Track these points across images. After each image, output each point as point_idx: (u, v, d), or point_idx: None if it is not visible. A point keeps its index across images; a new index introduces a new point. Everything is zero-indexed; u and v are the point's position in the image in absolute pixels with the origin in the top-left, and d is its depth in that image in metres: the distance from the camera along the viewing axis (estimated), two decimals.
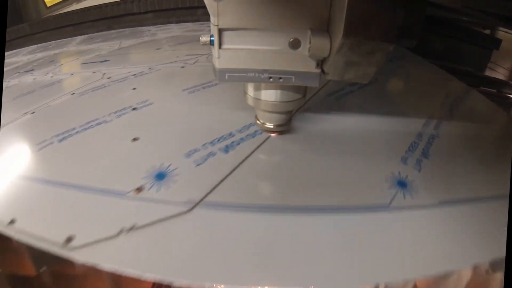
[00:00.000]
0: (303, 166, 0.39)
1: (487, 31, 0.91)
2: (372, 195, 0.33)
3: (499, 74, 0.85)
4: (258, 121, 0.43)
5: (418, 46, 0.30)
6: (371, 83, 0.32)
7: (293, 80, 0.36)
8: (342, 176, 0.36)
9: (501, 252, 0.25)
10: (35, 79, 0.87)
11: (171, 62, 0.80)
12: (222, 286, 0.26)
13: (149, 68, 0.76)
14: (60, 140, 0.49)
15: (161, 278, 0.27)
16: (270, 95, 0.39)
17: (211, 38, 0.34)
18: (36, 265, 0.33)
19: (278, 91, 0.39)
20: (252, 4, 0.32)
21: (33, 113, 0.62)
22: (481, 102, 0.58)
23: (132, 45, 1.08)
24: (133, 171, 0.39)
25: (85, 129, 0.51)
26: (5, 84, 0.86)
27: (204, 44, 0.34)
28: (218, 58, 0.35)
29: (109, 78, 0.75)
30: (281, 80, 0.36)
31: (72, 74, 0.87)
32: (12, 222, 0.34)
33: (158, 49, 0.99)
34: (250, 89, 0.40)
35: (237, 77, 0.36)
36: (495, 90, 0.74)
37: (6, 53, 1.18)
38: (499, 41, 0.88)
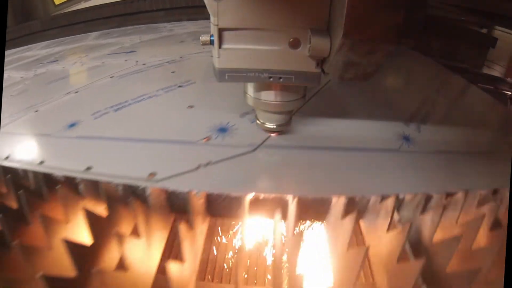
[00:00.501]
0: (332, 121, 0.50)
1: (484, 30, 0.95)
2: (386, 143, 0.46)
3: (495, 71, 0.89)
4: (258, 121, 0.43)
5: (416, 44, 0.30)
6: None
7: (293, 80, 0.36)
8: (362, 133, 0.48)
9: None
10: (63, 67, 0.91)
11: (199, 53, 0.82)
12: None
13: (180, 57, 0.80)
14: (116, 110, 0.55)
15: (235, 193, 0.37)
16: (270, 95, 0.39)
17: (211, 38, 0.34)
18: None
19: (278, 91, 0.39)
20: (252, 4, 0.32)
21: (76, 92, 0.68)
22: (478, 95, 0.66)
23: (153, 39, 1.10)
24: (197, 128, 0.47)
25: (138, 101, 0.57)
26: (32, 72, 0.91)
27: (204, 44, 0.34)
28: (218, 58, 0.35)
29: (143, 64, 0.80)
30: (281, 80, 0.36)
31: (103, 62, 0.90)
32: (88, 168, 0.42)
33: (181, 42, 1.01)
34: (250, 89, 0.40)
35: (237, 77, 0.36)
36: (491, 87, 0.76)
37: (16, 49, 1.21)
38: (495, 40, 0.92)
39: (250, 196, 0.37)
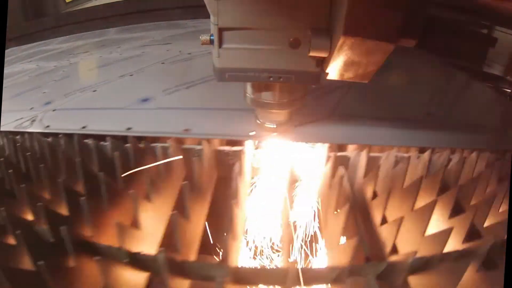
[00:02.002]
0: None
1: (484, 31, 0.97)
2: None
3: (495, 70, 0.92)
4: (258, 121, 0.43)
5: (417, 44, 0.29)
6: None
7: (293, 79, 0.36)
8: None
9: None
10: (100, 56, 0.97)
11: None
12: None
13: None
14: (187, 87, 0.66)
15: None
16: (270, 95, 0.39)
17: (211, 37, 0.34)
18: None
19: (278, 91, 0.38)
20: (252, 4, 0.32)
21: (131, 75, 0.77)
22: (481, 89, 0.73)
23: (180, 34, 1.12)
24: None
25: (206, 81, 0.68)
26: (65, 61, 0.96)
27: (204, 43, 0.34)
28: (218, 57, 0.35)
29: (189, 54, 0.85)
30: (281, 79, 0.36)
31: (143, 52, 0.95)
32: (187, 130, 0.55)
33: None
34: (250, 90, 0.40)
35: (237, 77, 0.36)
36: (491, 85, 0.80)
37: (32, 44, 1.25)
38: (495, 40, 0.94)
39: None
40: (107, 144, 0.57)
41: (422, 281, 0.38)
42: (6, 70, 0.96)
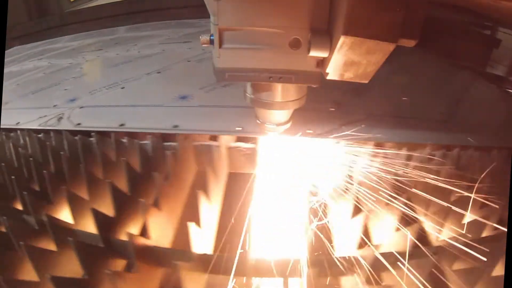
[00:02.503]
0: None
1: (487, 32, 0.99)
2: None
3: (498, 71, 0.93)
4: (258, 121, 0.43)
5: (423, 45, 0.29)
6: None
7: (293, 79, 0.36)
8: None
9: None
10: (118, 54, 0.97)
11: None
12: None
13: None
14: (224, 86, 0.66)
15: None
16: (270, 95, 0.39)
17: (211, 38, 0.34)
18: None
19: (278, 92, 0.38)
20: (252, 4, 0.32)
21: (158, 72, 0.77)
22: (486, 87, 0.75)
23: (196, 32, 1.11)
24: None
25: None
26: (78, 59, 0.97)
27: (204, 43, 0.34)
28: (218, 57, 0.35)
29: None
30: (281, 79, 0.36)
31: (163, 50, 0.96)
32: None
33: None
34: (250, 90, 0.40)
35: (237, 77, 0.36)
36: (495, 85, 0.80)
37: (39, 42, 1.27)
38: (498, 41, 0.95)
39: None
40: (148, 142, 0.56)
41: None
42: (17, 67, 0.99)
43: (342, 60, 0.30)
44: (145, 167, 0.52)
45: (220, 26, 0.33)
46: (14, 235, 0.40)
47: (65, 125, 0.60)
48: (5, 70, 0.93)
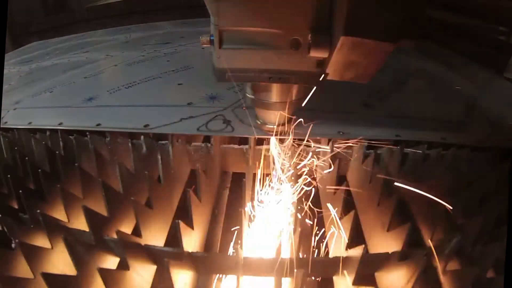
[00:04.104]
0: None
1: (502, 38, 0.96)
2: None
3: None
4: (257, 121, 0.43)
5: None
6: None
7: (293, 80, 0.36)
8: None
9: None
10: (161, 51, 0.94)
11: None
12: None
13: None
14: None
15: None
16: (270, 96, 0.39)
17: (211, 38, 0.34)
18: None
19: (278, 92, 0.38)
20: (252, 4, 0.32)
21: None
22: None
23: None
24: None
25: None
26: (113, 54, 0.95)
27: (204, 44, 0.34)
28: (218, 58, 0.35)
29: None
30: (281, 80, 0.36)
31: (203, 48, 0.91)
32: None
33: None
34: (250, 90, 0.40)
35: (237, 77, 0.36)
36: None
37: (61, 38, 1.25)
38: None
39: None
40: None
41: None
42: (72, 58, 0.97)
43: (342, 61, 0.30)
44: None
45: (220, 27, 0.33)
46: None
47: None
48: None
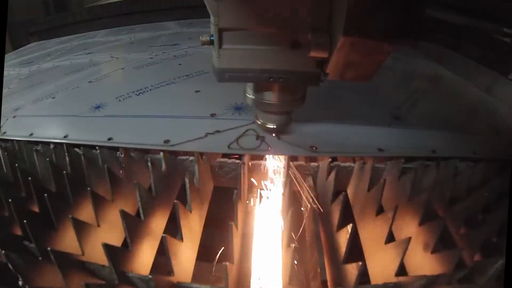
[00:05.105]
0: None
1: (507, 39, 0.94)
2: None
3: None
4: (257, 121, 0.43)
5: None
6: None
7: (293, 80, 0.36)
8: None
9: None
10: (170, 54, 0.88)
11: None
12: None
13: None
14: None
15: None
16: (270, 96, 0.39)
17: (211, 38, 0.34)
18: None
19: (278, 92, 0.38)
20: (252, 4, 0.32)
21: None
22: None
23: None
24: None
25: None
26: (118, 55, 0.91)
27: (204, 44, 0.34)
28: (218, 58, 0.35)
29: None
30: (281, 80, 0.36)
31: None
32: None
33: None
34: (250, 90, 0.40)
35: (237, 77, 0.36)
36: None
37: (62, 38, 1.24)
38: None
39: None
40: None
41: None
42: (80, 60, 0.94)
43: (342, 61, 0.30)
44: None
45: (220, 27, 0.33)
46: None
47: None
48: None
